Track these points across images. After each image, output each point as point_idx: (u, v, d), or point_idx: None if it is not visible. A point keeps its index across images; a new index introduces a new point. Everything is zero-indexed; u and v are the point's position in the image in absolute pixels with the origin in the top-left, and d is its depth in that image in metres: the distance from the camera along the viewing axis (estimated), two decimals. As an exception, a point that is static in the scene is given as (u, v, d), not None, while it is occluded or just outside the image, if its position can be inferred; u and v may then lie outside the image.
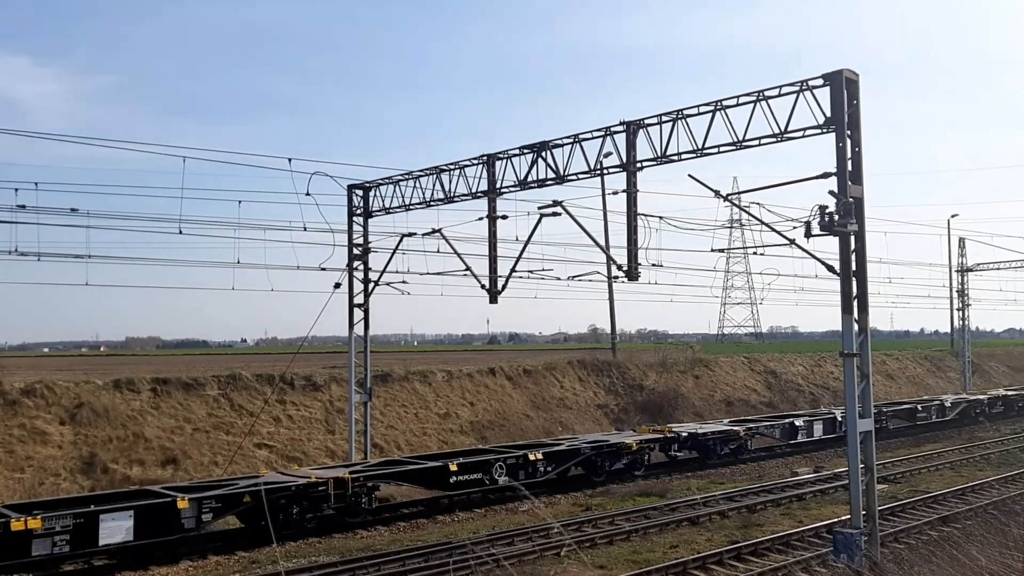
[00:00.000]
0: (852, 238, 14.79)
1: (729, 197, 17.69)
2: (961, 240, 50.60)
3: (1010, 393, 45.22)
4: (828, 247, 15.42)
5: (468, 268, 22.91)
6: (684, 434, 27.84)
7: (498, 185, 21.29)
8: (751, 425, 30.44)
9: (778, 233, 16.27)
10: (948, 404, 39.34)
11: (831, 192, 14.67)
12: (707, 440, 28.47)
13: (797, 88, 15.58)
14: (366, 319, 25.16)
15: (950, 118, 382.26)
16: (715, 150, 17.17)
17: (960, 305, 51.38)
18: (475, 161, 21.67)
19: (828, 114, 15.00)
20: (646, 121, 18.14)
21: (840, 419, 31.39)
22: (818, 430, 31.96)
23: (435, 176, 22.67)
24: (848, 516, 15.17)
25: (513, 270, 22.00)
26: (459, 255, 23.05)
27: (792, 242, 15.97)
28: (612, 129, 18.67)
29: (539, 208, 20.88)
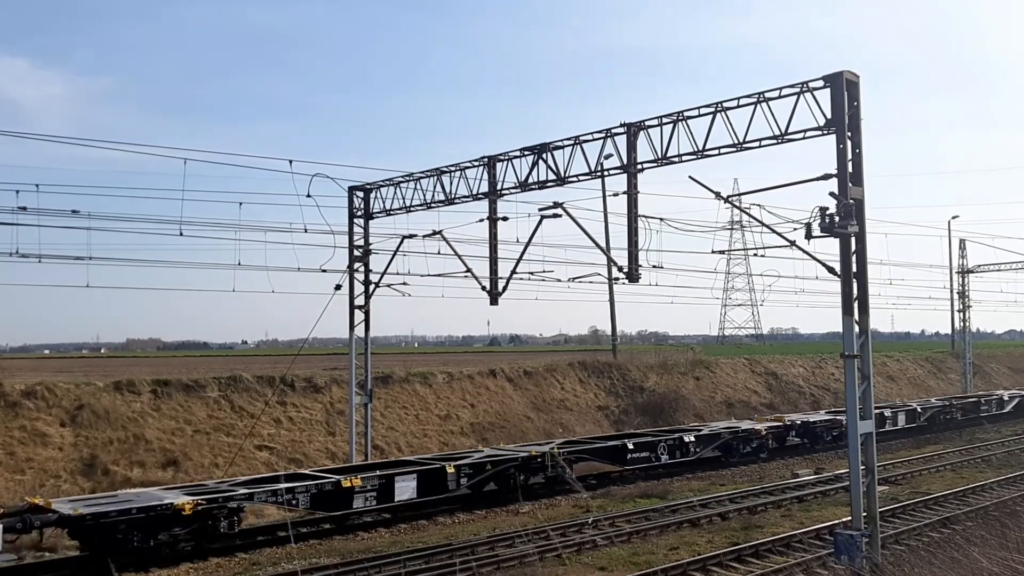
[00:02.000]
0: (853, 239, 14.80)
1: (730, 199, 17.71)
2: (962, 242, 50.63)
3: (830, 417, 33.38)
4: (829, 248, 15.43)
5: (469, 270, 22.93)
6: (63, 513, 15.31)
7: (499, 187, 21.30)
8: (276, 488, 18.27)
9: (779, 235, 16.28)
10: (704, 434, 28.46)
11: (832, 193, 14.68)
12: (112, 523, 15.66)
13: (797, 90, 15.59)
14: (367, 321, 25.16)
15: (951, 119, 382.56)
16: (716, 152, 17.19)
17: (961, 307, 51.40)
18: (476, 163, 21.69)
19: (828, 116, 15.02)
20: (647, 123, 18.15)
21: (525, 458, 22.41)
22: (454, 482, 20.81)
23: (436, 178, 22.68)
24: (849, 518, 15.16)
25: (514, 272, 22.02)
26: (460, 257, 23.07)
27: (793, 244, 15.98)
28: (613, 131, 18.68)
29: (540, 210, 20.92)
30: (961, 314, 51.66)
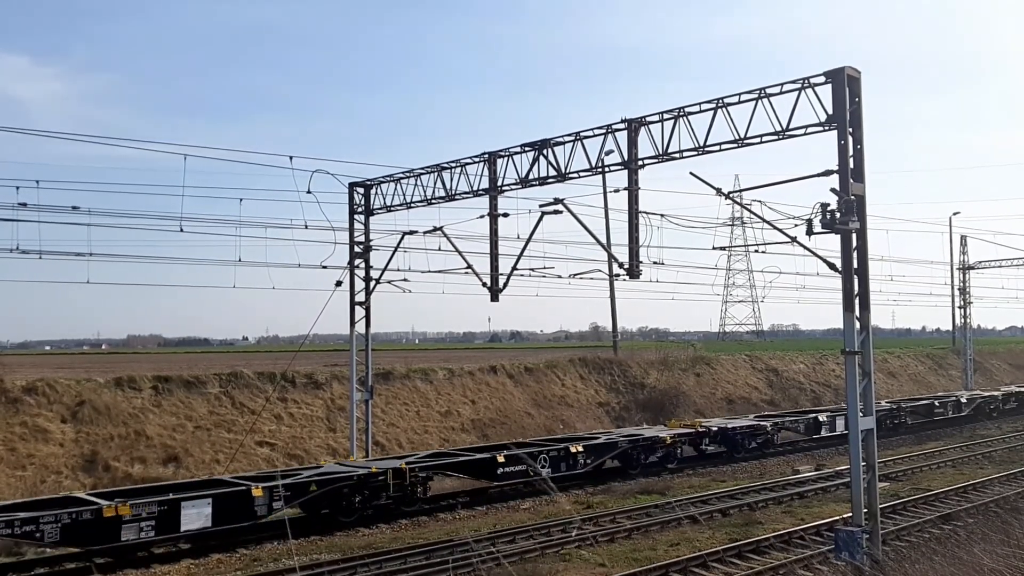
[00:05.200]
0: (854, 236, 14.78)
1: (731, 195, 17.66)
2: (963, 238, 50.57)
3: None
4: (830, 245, 15.42)
5: (469, 266, 22.89)
6: None
7: (499, 183, 21.27)
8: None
9: (780, 231, 16.26)
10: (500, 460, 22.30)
11: (833, 190, 14.66)
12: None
13: (799, 86, 15.55)
14: (367, 317, 25.15)
15: (951, 117, 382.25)
16: (717, 148, 17.13)
17: (962, 303, 51.33)
18: (476, 159, 21.65)
19: (830, 111, 14.98)
20: (648, 119, 18.11)
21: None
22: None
23: (436, 174, 22.65)
24: (850, 514, 15.16)
25: (515, 268, 21.99)
26: (460, 253, 23.05)
27: (794, 240, 15.96)
28: (614, 127, 18.65)
29: (540, 206, 20.88)
30: (962, 310, 51.58)
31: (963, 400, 40.55)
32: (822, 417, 31.58)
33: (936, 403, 39.17)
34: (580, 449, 24.08)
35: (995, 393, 43.85)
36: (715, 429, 28.28)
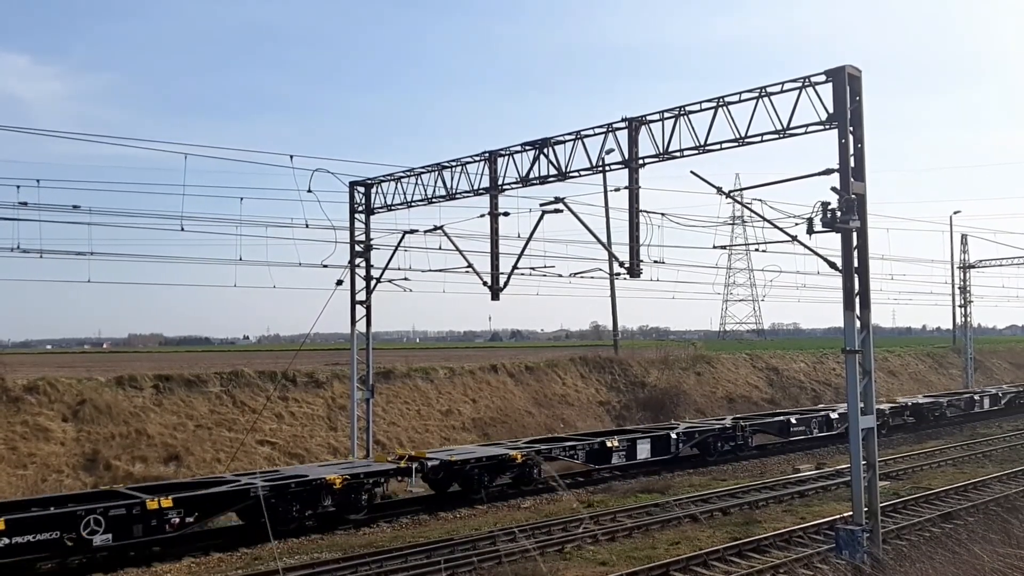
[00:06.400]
0: (854, 234, 14.78)
1: (731, 194, 17.66)
2: (963, 236, 50.62)
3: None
4: (830, 244, 15.43)
5: (470, 265, 22.89)
6: None
7: (500, 182, 21.26)
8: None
9: (780, 230, 16.27)
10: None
11: (833, 188, 14.66)
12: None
13: (800, 85, 15.54)
14: (368, 316, 25.15)
15: (951, 116, 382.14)
16: (717, 147, 17.12)
17: (962, 302, 51.35)
18: (477, 158, 21.64)
19: (831, 110, 14.98)
20: (648, 117, 18.10)
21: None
22: None
23: (437, 173, 22.64)
24: (850, 513, 15.17)
25: (515, 267, 21.98)
26: (461, 252, 23.04)
27: (794, 239, 15.96)
28: (614, 125, 18.65)
29: (541, 205, 20.88)
30: (963, 309, 51.64)
31: (834, 416, 32.26)
32: (612, 442, 25.11)
33: (793, 420, 31.00)
34: (168, 504, 16.18)
35: (881, 407, 34.22)
36: (433, 464, 21.44)
